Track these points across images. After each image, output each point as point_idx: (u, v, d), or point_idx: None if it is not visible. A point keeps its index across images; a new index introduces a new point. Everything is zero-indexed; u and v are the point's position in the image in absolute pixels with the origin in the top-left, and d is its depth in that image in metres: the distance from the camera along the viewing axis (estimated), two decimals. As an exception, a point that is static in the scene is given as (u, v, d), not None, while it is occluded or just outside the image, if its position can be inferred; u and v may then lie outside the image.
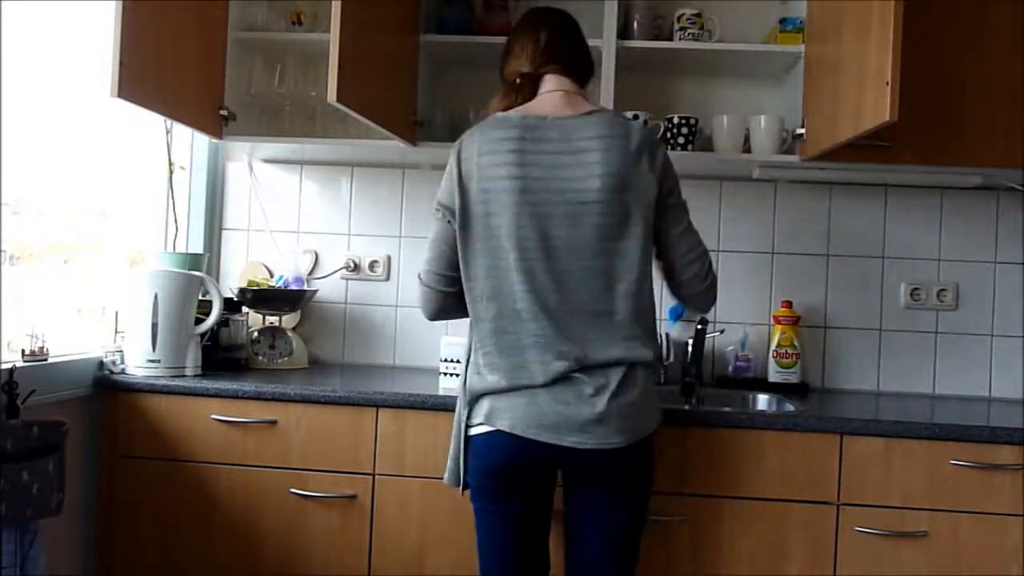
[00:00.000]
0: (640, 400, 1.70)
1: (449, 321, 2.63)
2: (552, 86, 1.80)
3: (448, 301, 1.83)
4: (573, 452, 1.66)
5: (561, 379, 1.66)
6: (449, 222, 1.77)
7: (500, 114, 1.78)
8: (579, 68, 1.86)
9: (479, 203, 1.72)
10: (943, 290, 2.61)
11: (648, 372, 1.73)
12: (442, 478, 1.82)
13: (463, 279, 1.75)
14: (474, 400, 1.73)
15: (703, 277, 1.81)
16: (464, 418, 1.75)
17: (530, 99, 1.81)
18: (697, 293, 1.84)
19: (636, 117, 2.37)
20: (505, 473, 1.72)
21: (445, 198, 1.78)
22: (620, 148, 1.70)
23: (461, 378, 1.79)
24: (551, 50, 1.83)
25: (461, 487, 1.77)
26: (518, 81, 1.83)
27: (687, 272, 1.81)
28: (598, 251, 1.69)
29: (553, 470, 1.78)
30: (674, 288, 1.87)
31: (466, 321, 1.71)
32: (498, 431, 1.68)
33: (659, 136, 1.77)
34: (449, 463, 1.80)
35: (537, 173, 1.69)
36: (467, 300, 1.76)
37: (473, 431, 1.73)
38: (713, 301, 1.89)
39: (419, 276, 1.86)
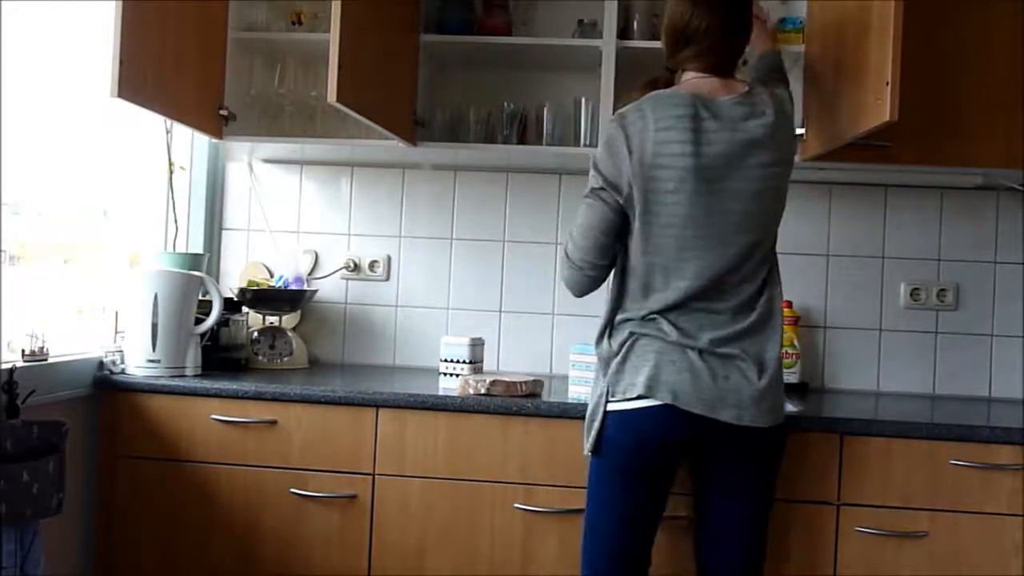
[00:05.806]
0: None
1: (448, 322, 2.69)
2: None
3: (598, 281, 1.88)
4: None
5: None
6: (617, 202, 1.77)
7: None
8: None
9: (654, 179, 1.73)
10: (943, 290, 2.61)
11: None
12: (444, 478, 1.82)
13: (640, 253, 1.77)
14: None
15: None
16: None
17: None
18: None
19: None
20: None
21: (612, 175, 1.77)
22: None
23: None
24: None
25: None
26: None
27: None
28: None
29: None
30: None
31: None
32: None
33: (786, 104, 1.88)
34: None
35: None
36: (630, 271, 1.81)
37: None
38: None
39: (567, 254, 1.87)
